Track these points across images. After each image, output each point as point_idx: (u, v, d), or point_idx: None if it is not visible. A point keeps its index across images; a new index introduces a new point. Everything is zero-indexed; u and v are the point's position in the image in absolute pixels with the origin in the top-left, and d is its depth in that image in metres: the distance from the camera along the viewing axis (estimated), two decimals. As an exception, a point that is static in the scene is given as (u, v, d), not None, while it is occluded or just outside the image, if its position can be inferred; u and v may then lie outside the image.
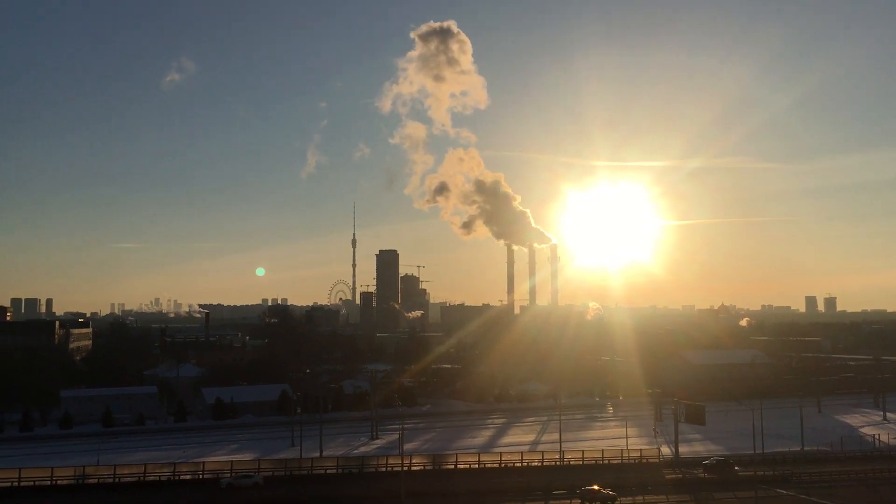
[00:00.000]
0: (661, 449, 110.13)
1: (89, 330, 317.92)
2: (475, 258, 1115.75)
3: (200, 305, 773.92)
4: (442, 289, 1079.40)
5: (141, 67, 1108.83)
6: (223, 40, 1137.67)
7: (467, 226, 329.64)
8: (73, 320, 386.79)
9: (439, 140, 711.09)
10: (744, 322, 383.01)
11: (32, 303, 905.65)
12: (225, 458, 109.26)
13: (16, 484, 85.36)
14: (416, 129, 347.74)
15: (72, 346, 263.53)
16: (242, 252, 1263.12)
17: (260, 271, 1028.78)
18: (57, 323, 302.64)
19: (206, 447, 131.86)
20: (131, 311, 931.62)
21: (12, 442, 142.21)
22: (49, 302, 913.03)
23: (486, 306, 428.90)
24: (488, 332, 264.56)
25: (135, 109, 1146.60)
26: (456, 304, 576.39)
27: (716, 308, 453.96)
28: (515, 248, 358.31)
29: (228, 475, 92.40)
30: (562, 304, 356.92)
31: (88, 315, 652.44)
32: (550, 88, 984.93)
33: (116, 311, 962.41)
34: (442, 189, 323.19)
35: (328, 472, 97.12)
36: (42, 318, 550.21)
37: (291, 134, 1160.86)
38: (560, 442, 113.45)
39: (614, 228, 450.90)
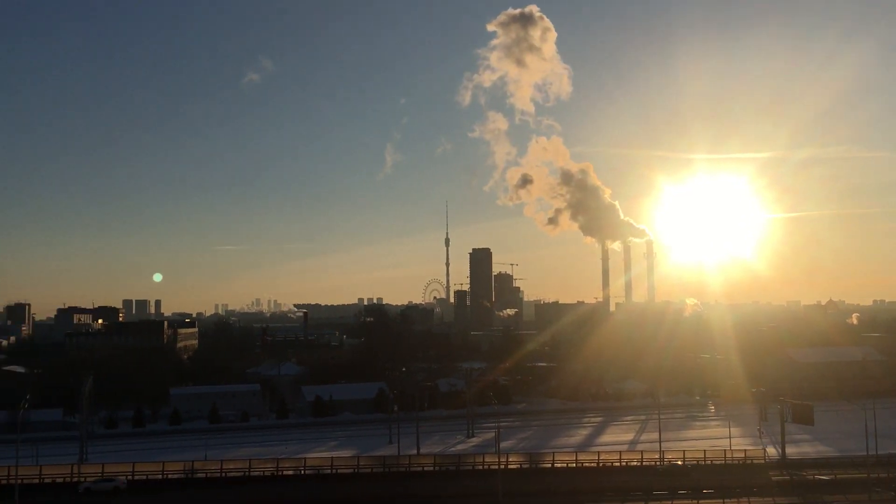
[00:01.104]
0: (767, 450, 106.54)
1: (195, 330, 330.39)
2: (569, 255, 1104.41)
3: (299, 305, 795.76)
4: (536, 286, 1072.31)
5: (227, 68, 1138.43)
6: (301, 40, 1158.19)
7: (553, 220, 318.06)
8: (180, 320, 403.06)
9: (522, 132, 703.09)
10: (853, 318, 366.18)
11: (142, 304, 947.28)
12: (325, 454, 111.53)
13: (130, 477, 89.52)
14: (497, 122, 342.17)
15: (179, 345, 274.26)
16: (338, 252, 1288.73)
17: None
18: (165, 323, 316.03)
19: (306, 444, 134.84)
20: (234, 311, 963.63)
21: (126, 437, 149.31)
22: (158, 303, 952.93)
23: (581, 303, 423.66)
24: (583, 330, 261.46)
25: (227, 111, 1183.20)
26: (550, 301, 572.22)
27: (823, 304, 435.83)
28: (610, 243, 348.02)
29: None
30: (658, 300, 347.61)
31: (194, 315, 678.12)
32: (643, 79, 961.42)
33: (220, 311, 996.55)
34: (525, 182, 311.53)
35: (425, 469, 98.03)
36: (151, 319, 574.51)
37: (374, 131, 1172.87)
38: (660, 441, 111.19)
39: (713, 223, 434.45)
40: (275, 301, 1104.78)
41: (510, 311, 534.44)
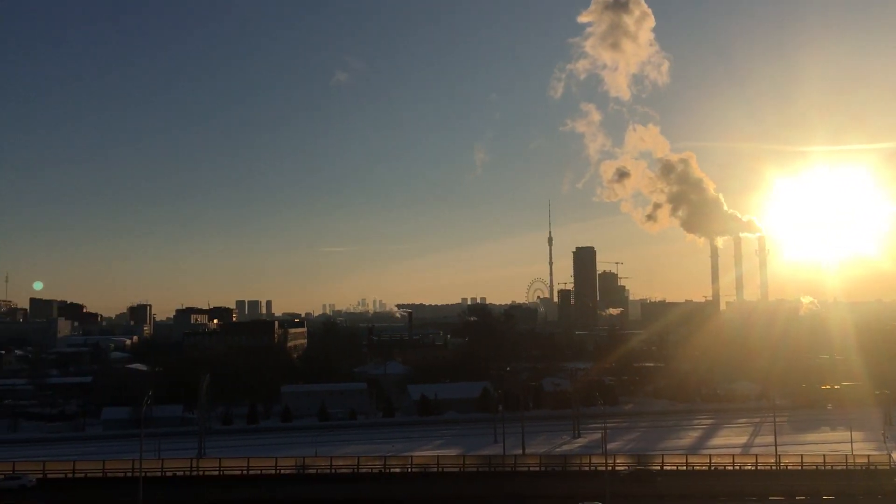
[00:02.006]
0: (893, 455, 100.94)
1: (304, 329, 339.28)
2: (675, 252, 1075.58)
3: (403, 305, 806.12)
4: (642, 285, 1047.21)
5: (317, 69, 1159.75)
6: (390, 40, 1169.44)
7: (652, 216, 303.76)
8: (289, 320, 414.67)
9: (617, 125, 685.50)
10: None
11: (254, 304, 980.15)
12: (431, 452, 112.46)
13: (245, 472, 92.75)
14: (592, 113, 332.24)
15: (289, 344, 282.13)
16: (442, 253, 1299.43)
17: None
18: (276, 323, 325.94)
19: (412, 442, 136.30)
20: (341, 311, 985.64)
21: (240, 433, 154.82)
22: (269, 304, 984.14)
23: (689, 302, 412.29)
24: (691, 329, 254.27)
25: (322, 113, 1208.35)
26: (656, 300, 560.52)
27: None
28: (718, 240, 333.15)
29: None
30: (771, 298, 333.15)
31: (303, 315, 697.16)
32: (752, 69, 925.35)
33: (327, 311, 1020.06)
34: (622, 175, 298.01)
35: (531, 469, 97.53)
36: (263, 319, 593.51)
37: (466, 129, 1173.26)
38: (775, 445, 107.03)
39: (831, 217, 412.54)
40: (380, 301, 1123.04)
41: (615, 311, 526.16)
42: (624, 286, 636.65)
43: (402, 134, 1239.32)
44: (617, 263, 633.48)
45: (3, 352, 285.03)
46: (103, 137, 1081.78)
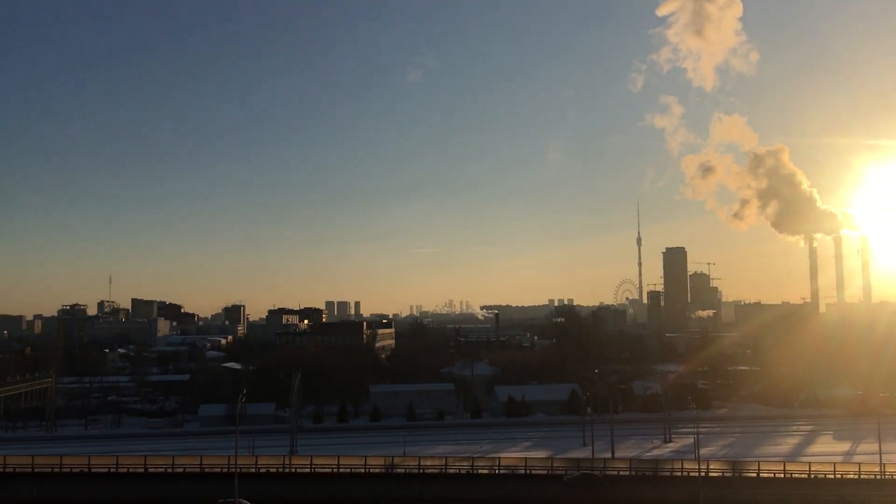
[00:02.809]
0: None
1: (392, 330, 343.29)
2: (770, 252, 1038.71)
3: (489, 306, 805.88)
4: (735, 286, 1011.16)
5: (387, 67, 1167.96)
6: (460, 36, 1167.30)
7: (738, 214, 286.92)
8: (377, 321, 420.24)
9: (700, 118, 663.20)
10: None
11: (343, 305, 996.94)
12: (519, 454, 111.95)
13: (335, 470, 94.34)
14: (673, 107, 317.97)
15: (378, 345, 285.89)
16: (528, 253, 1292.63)
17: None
18: (364, 324, 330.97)
19: (499, 443, 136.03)
20: (427, 312, 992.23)
21: (331, 432, 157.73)
22: (357, 304, 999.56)
23: (786, 304, 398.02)
24: (789, 332, 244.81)
25: (395, 112, 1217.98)
26: (751, 302, 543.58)
27: None
28: (815, 238, 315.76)
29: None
30: (875, 300, 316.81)
31: (391, 316, 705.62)
32: (851, 59, 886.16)
33: (414, 312, 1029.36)
34: (706, 170, 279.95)
35: (621, 473, 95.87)
36: (352, 320, 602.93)
37: (542, 126, 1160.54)
38: (879, 453, 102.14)
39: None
40: (466, 302, 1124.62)
41: (707, 312, 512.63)
42: (716, 287, 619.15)
43: (481, 133, 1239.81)
44: (709, 264, 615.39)
45: (108, 350, 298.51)
46: (200, 140, 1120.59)
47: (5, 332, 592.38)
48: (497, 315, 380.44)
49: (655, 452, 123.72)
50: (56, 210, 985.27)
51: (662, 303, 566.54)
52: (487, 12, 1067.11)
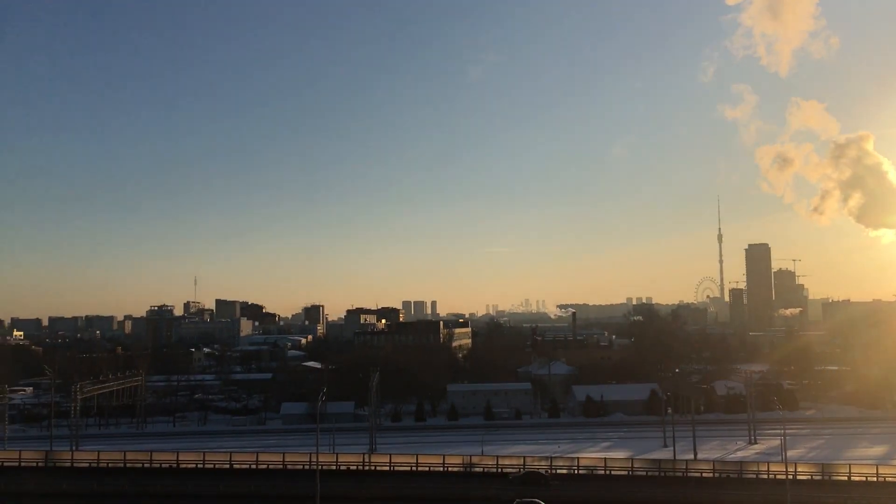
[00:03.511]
0: None
1: (468, 329, 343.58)
2: (860, 247, 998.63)
3: (565, 305, 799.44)
4: (822, 283, 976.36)
5: (448, 65, 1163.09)
6: (524, 30, 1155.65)
7: (818, 208, 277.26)
8: (454, 320, 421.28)
9: (775, 108, 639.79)
10: None
11: (420, 305, 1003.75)
12: (598, 454, 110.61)
13: (414, 468, 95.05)
14: (747, 96, 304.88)
15: (454, 344, 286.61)
16: (604, 251, 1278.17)
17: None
18: (441, 323, 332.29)
19: (578, 443, 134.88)
20: (504, 311, 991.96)
21: (409, 430, 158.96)
22: (434, 304, 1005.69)
23: (877, 301, 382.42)
24: (881, 330, 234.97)
25: (462, 112, 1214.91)
26: (839, 299, 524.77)
27: None
28: None
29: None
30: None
31: (467, 315, 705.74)
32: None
33: (491, 311, 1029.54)
34: (783, 161, 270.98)
35: (704, 475, 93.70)
36: (429, 319, 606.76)
37: (613, 120, 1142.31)
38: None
39: None
40: (543, 301, 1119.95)
41: (793, 311, 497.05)
42: (802, 284, 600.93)
43: (552, 130, 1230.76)
44: (794, 260, 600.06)
45: (193, 349, 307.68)
46: (282, 144, 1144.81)
47: (97, 332, 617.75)
48: (574, 314, 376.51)
49: (740, 454, 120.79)
50: (145, 214, 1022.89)
51: (745, 301, 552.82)
52: (550, 4, 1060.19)
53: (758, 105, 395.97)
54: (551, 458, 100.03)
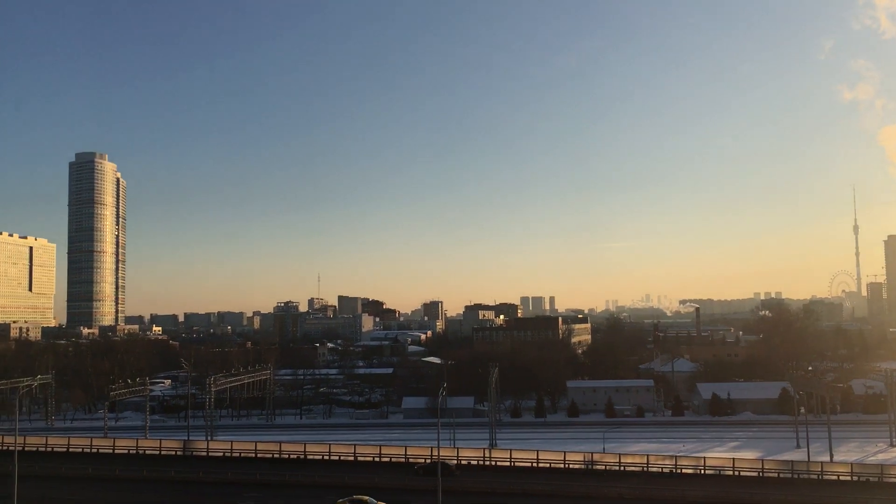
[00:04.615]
0: None
1: (588, 325, 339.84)
2: None
3: (688, 300, 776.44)
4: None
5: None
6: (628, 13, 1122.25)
7: None
8: (573, 316, 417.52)
9: None
10: None
11: (538, 301, 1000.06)
12: (726, 454, 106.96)
13: (535, 464, 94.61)
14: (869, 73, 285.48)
15: (573, 340, 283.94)
16: (729, 244, 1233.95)
17: None
18: (559, 319, 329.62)
19: (703, 442, 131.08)
20: (624, 307, 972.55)
21: (528, 426, 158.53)
22: (552, 300, 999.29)
23: None
24: None
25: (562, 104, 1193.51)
26: None
27: None
28: None
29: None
30: None
31: (586, 311, 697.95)
32: None
33: (610, 307, 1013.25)
34: None
35: (841, 478, 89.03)
36: (547, 315, 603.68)
37: (732, 111, 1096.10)
38: None
39: None
40: (664, 296, 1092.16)
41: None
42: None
43: (673, 122, 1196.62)
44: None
45: (318, 344, 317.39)
46: (401, 143, 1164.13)
47: (229, 327, 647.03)
48: (698, 309, 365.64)
49: (881, 457, 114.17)
50: (272, 215, 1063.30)
51: (885, 295, 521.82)
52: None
53: (882, 82, 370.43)
54: (676, 457, 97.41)
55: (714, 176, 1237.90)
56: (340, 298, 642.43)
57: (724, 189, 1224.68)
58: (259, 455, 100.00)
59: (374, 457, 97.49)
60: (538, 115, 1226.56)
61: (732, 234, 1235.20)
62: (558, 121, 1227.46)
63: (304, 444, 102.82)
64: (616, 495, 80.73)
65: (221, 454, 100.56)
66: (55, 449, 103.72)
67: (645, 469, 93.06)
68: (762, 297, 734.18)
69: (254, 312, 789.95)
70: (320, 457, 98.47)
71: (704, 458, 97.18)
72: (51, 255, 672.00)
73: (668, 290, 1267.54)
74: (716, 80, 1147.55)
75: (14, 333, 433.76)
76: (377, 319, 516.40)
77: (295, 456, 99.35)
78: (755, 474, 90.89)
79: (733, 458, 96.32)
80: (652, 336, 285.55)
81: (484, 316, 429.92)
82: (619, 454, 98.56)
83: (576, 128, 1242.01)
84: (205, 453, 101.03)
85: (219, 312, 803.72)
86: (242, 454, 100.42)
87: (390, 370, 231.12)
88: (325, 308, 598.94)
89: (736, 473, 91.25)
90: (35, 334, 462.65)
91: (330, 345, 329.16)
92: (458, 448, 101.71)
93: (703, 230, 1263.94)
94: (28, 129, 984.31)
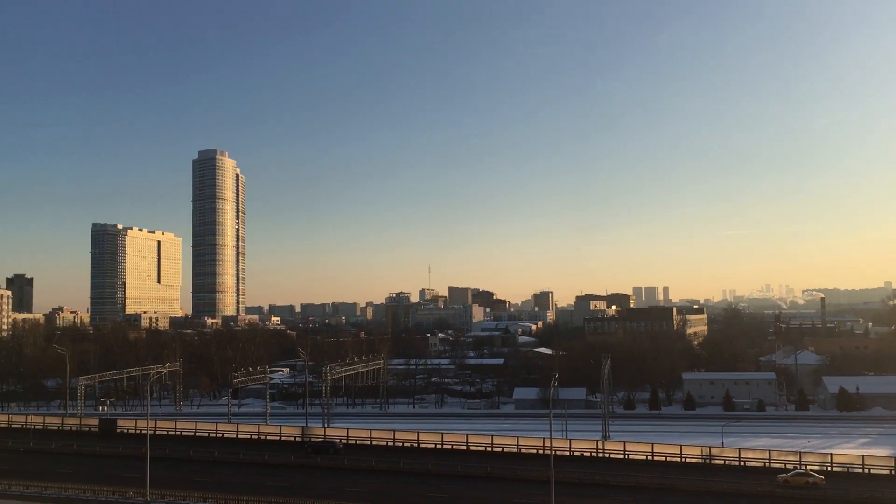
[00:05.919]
0: None
1: (704, 316, 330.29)
2: None
3: (811, 290, 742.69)
4: None
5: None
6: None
7: None
8: (688, 307, 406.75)
9: None
10: None
11: (651, 291, 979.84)
12: (854, 451, 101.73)
13: (650, 457, 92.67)
14: None
15: (689, 330, 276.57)
16: (857, 230, 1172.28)
17: None
18: (674, 309, 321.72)
19: (830, 438, 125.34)
20: (742, 297, 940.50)
21: (642, 418, 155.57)
22: (665, 290, 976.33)
23: None
24: None
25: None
26: None
27: None
28: None
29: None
30: None
31: (702, 301, 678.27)
32: None
33: (728, 297, 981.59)
34: None
35: None
36: (660, 305, 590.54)
37: (818, 84, 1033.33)
38: None
39: None
40: (786, 286, 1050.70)
41: None
42: None
43: (789, 101, 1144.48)
44: None
45: (429, 335, 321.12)
46: (516, 137, 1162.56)
47: (343, 317, 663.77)
48: (823, 299, 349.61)
49: None
50: (383, 207, 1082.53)
51: None
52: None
53: None
54: (800, 452, 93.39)
55: (847, 158, 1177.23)
56: (451, 289, 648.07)
57: (850, 171, 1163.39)
58: (374, 443, 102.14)
59: (485, 447, 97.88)
60: (662, 104, 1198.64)
61: (861, 219, 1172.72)
62: (700, 103, 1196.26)
63: (418, 433, 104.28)
64: (736, 490, 78.09)
65: (338, 440, 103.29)
66: (183, 433, 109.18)
67: (767, 465, 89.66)
68: (894, 287, 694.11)
69: (366, 303, 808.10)
70: (433, 445, 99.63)
71: (831, 454, 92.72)
72: (177, 249, 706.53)
73: (791, 280, 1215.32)
74: (815, 58, 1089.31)
75: (145, 323, 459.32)
76: (487, 310, 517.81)
77: (409, 444, 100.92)
78: (887, 472, 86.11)
79: (863, 455, 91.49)
80: (773, 327, 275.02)
81: (595, 306, 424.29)
82: (739, 448, 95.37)
83: (712, 110, 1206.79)
84: (322, 440, 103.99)
85: (333, 303, 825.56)
86: (358, 441, 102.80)
87: (501, 361, 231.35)
88: (435, 299, 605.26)
89: (866, 471, 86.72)
90: (164, 324, 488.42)
91: (441, 335, 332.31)
92: (570, 439, 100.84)
93: (828, 216, 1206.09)
94: (155, 129, 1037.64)
